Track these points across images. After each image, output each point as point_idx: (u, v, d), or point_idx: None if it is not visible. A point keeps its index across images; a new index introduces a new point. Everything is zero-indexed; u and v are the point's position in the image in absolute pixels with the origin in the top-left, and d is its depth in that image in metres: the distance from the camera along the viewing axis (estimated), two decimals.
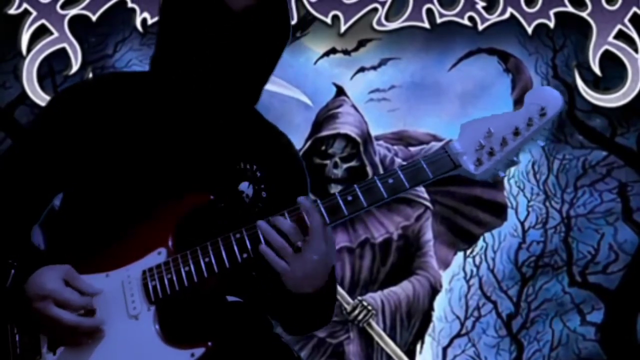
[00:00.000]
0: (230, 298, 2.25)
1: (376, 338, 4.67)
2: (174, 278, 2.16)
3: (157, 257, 2.19)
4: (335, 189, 4.72)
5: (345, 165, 4.75)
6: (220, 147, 2.31)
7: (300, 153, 2.57)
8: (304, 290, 2.18)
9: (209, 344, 2.12)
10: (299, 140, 4.60)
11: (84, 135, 2.26)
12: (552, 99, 2.19)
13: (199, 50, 2.22)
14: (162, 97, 2.30)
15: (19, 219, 2.29)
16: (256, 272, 2.24)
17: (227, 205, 2.26)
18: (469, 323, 4.75)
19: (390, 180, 2.16)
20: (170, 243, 2.19)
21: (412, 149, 4.82)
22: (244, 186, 2.30)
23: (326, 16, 4.81)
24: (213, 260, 2.15)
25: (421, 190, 4.75)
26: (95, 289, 2.17)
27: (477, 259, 4.77)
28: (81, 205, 2.28)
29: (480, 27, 4.80)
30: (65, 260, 2.19)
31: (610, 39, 4.80)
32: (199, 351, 2.11)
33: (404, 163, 2.27)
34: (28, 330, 2.19)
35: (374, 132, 4.79)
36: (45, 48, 4.75)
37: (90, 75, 4.74)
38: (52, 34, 4.75)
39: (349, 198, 2.15)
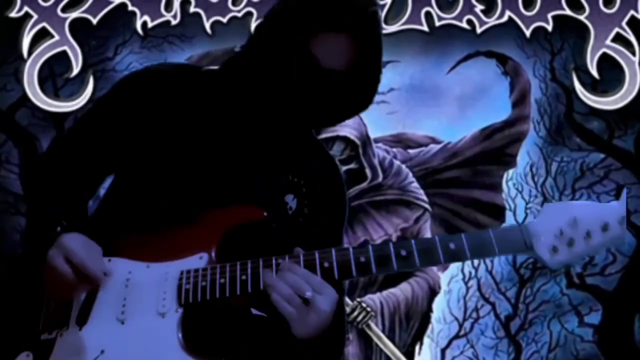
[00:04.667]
0: (254, 311, 2.23)
1: (375, 339, 4.68)
2: (208, 287, 2.14)
3: (198, 260, 2.18)
4: None
5: (344, 168, 4.77)
6: (272, 157, 2.31)
7: None
8: (309, 336, 2.12)
9: None
10: None
11: (147, 122, 2.28)
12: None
13: (276, 84, 2.21)
14: (230, 99, 2.30)
15: (76, 190, 2.32)
16: None
17: (276, 223, 2.22)
18: (467, 324, 4.76)
19: (452, 246, 2.05)
20: (213, 250, 2.19)
21: (410, 151, 4.84)
22: (289, 198, 2.29)
23: None
24: (249, 280, 2.12)
25: (420, 192, 4.77)
26: (96, 275, 2.17)
27: (476, 261, 4.78)
28: (133, 190, 2.29)
29: (479, 30, 4.82)
30: (110, 238, 2.22)
31: (608, 42, 4.81)
32: None
33: (472, 231, 2.12)
34: (60, 301, 2.20)
35: (373, 135, 4.80)
36: (46, 51, 4.77)
37: (91, 78, 4.76)
38: (53, 37, 4.77)
39: (403, 253, 2.07)
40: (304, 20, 2.19)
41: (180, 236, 2.22)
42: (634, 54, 4.81)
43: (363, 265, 2.07)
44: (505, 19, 4.82)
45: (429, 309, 4.76)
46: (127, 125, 2.29)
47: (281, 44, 2.20)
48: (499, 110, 4.81)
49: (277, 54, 2.20)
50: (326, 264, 2.09)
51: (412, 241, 2.06)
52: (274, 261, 2.12)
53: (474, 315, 4.76)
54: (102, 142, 2.32)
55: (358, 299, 4.68)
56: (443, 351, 4.75)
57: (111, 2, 4.79)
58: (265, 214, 2.20)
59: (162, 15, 4.78)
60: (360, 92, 2.28)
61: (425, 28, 4.83)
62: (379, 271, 2.06)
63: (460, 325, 4.76)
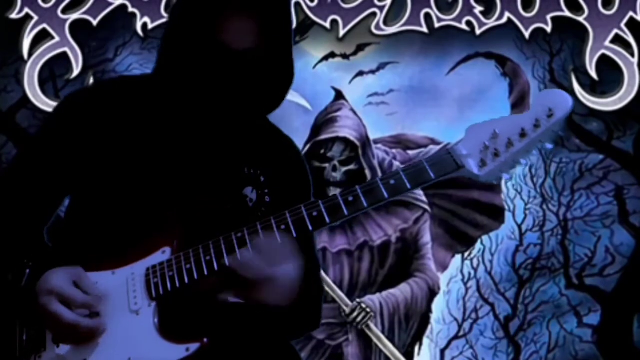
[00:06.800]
0: (231, 299, 2.28)
1: (375, 340, 4.69)
2: (175, 275, 2.19)
3: (161, 255, 2.23)
4: (334, 192, 4.73)
5: (344, 169, 4.77)
6: (225, 152, 2.34)
7: None
8: (285, 302, 2.22)
9: (205, 340, 2.16)
10: (298, 143, 4.60)
11: (91, 138, 2.30)
12: (560, 100, 2.16)
13: (196, 81, 2.27)
14: (169, 101, 2.33)
15: (32, 220, 2.34)
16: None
17: (232, 209, 2.29)
18: (466, 325, 4.77)
19: (392, 181, 2.16)
20: (175, 242, 2.23)
21: (410, 152, 4.85)
22: (248, 191, 2.33)
23: (325, 21, 4.83)
24: (214, 258, 2.18)
25: (419, 194, 4.78)
26: (100, 291, 2.21)
27: (475, 262, 4.79)
28: (89, 207, 2.32)
29: (478, 31, 4.83)
30: (74, 260, 2.24)
31: (607, 43, 4.83)
32: (194, 346, 2.15)
33: (404, 165, 2.27)
34: (34, 325, 2.23)
35: (372, 136, 4.81)
36: (46, 52, 4.78)
37: (92, 79, 4.77)
38: (53, 38, 4.78)
39: (350, 198, 2.17)
40: (205, 10, 2.25)
41: (140, 240, 2.25)
42: (632, 55, 4.82)
43: (316, 218, 2.17)
44: (504, 20, 4.83)
45: (429, 310, 4.77)
46: (76, 143, 2.31)
47: (189, 37, 2.26)
48: (498, 112, 4.81)
49: (188, 50, 2.26)
50: (282, 226, 2.18)
51: (357, 186, 2.17)
52: (233, 236, 2.18)
53: (473, 315, 4.77)
54: (54, 166, 2.33)
55: (357, 300, 4.69)
56: (442, 352, 4.77)
57: (111, 4, 4.80)
58: (218, 200, 2.26)
59: (163, 17, 4.79)
60: (278, 65, 2.33)
61: (424, 29, 4.84)
62: (332, 220, 2.17)
63: (460, 326, 4.77)
